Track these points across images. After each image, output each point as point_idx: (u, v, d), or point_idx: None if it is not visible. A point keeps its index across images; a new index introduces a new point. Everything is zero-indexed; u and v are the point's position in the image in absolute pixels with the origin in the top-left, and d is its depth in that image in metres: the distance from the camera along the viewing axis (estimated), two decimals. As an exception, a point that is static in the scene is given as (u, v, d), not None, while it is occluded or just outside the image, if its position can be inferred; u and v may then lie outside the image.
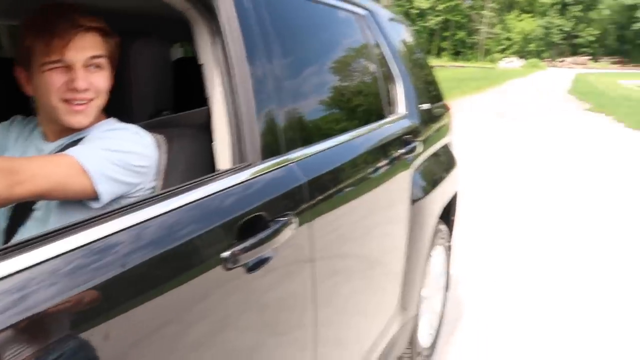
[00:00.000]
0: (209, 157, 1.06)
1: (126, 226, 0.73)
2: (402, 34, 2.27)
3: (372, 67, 1.78)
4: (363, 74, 1.78)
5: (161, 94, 1.22)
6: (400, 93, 1.91)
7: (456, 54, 58.01)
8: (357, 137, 1.55)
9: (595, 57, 54.66)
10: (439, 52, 57.70)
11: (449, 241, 2.53)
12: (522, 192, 5.29)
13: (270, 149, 1.09)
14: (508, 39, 58.24)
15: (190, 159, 1.11)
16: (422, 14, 56.62)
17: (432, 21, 56.09)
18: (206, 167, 1.07)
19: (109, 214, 0.73)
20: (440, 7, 54.75)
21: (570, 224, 4.26)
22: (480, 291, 3.03)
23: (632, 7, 51.55)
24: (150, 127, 1.10)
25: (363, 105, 1.74)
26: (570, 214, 4.52)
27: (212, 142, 1.06)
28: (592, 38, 56.01)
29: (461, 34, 57.26)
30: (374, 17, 1.88)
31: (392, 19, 2.14)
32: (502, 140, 8.57)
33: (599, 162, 6.80)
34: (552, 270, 3.34)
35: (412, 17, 56.96)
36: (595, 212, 4.59)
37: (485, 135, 8.92)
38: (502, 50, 57.95)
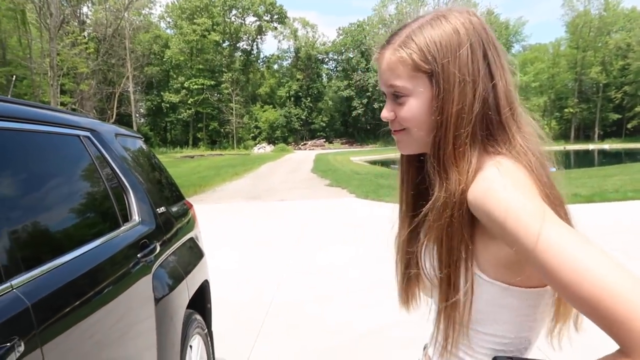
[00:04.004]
0: None
1: None
2: (132, 147, 2.47)
3: (101, 182, 1.91)
4: (92, 190, 1.89)
5: None
6: (133, 202, 2.07)
7: (213, 143, 60.92)
8: (90, 250, 1.64)
9: (329, 139, 64.75)
10: (195, 143, 59.68)
11: (205, 328, 2.70)
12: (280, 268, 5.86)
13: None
14: (257, 127, 64.22)
15: None
16: (174, 108, 58.25)
17: (185, 114, 58.14)
18: None
19: None
20: (190, 100, 57.33)
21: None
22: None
23: (349, 99, 64.20)
24: None
25: (95, 220, 1.84)
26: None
27: None
28: (323, 124, 66.52)
29: (214, 124, 60.63)
30: (98, 136, 2.04)
31: (119, 134, 2.33)
32: (257, 221, 9.36)
33: (339, 223, 8.35)
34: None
35: (165, 111, 58.18)
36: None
37: (244, 218, 9.60)
38: (254, 138, 63.43)
